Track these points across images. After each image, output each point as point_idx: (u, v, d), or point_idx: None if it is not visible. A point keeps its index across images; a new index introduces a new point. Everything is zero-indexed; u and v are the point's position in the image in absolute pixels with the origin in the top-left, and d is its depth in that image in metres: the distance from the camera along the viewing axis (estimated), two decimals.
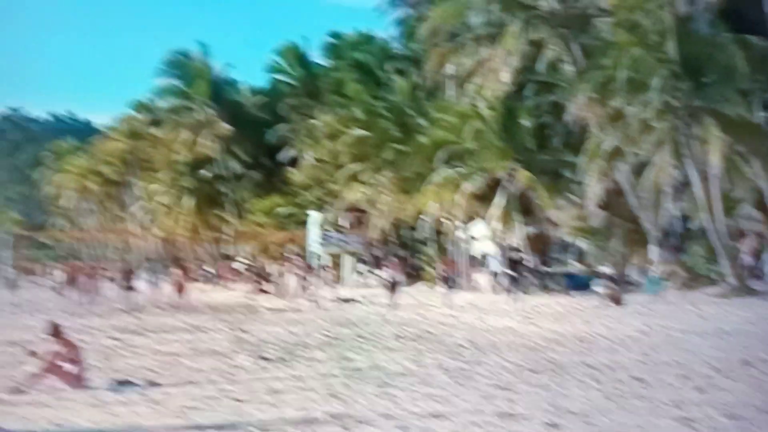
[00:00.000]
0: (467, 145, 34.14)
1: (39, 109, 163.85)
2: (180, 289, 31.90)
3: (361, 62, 45.51)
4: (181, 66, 57.08)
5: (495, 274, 32.62)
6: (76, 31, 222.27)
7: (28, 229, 67.16)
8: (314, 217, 37.20)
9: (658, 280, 27.78)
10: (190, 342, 16.87)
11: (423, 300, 28.56)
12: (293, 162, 48.14)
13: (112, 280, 38.41)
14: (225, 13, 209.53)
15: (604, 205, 29.93)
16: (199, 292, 36.37)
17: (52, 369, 10.75)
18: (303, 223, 37.99)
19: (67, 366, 10.82)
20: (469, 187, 33.57)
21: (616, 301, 23.81)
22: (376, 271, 38.93)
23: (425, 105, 38.52)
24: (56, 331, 11.14)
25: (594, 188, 29.18)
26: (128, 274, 33.81)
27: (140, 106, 65.62)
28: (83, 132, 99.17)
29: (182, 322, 22.26)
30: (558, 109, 31.26)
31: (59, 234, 62.92)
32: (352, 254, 42.72)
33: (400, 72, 42.42)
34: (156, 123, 59.99)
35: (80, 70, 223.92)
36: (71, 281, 37.14)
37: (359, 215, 42.53)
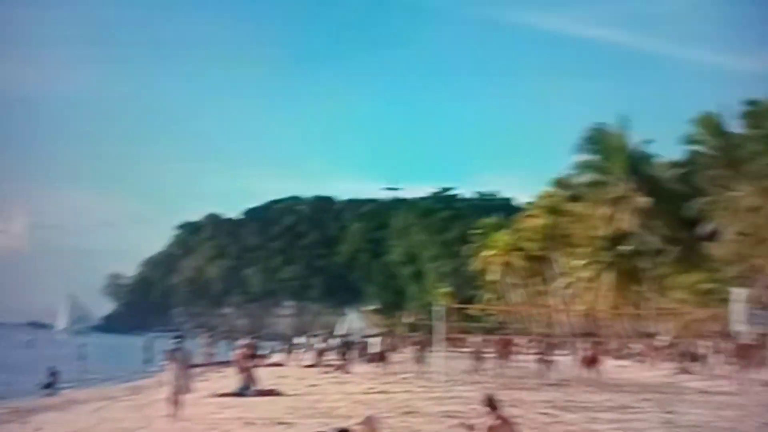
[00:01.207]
0: None
1: (466, 189, 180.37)
2: (599, 365, 31.99)
3: None
4: (600, 141, 58.48)
5: None
6: (498, 117, 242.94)
7: (458, 301, 73.64)
8: (737, 293, 35.42)
9: None
10: (619, 422, 17.09)
11: None
12: (712, 236, 46.68)
13: (535, 353, 40.68)
14: (639, 87, 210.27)
15: None
16: (621, 370, 36.75)
17: None
18: (725, 300, 36.47)
19: None
20: None
21: None
22: None
23: None
24: (492, 404, 11.08)
25: None
26: (551, 348, 35.48)
27: (559, 183, 68.62)
28: (505, 209, 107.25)
29: (607, 399, 22.45)
30: None
31: (486, 307, 68.26)
32: None
33: None
34: (575, 198, 62.06)
35: (502, 152, 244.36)
36: (497, 353, 39.90)
37: None
